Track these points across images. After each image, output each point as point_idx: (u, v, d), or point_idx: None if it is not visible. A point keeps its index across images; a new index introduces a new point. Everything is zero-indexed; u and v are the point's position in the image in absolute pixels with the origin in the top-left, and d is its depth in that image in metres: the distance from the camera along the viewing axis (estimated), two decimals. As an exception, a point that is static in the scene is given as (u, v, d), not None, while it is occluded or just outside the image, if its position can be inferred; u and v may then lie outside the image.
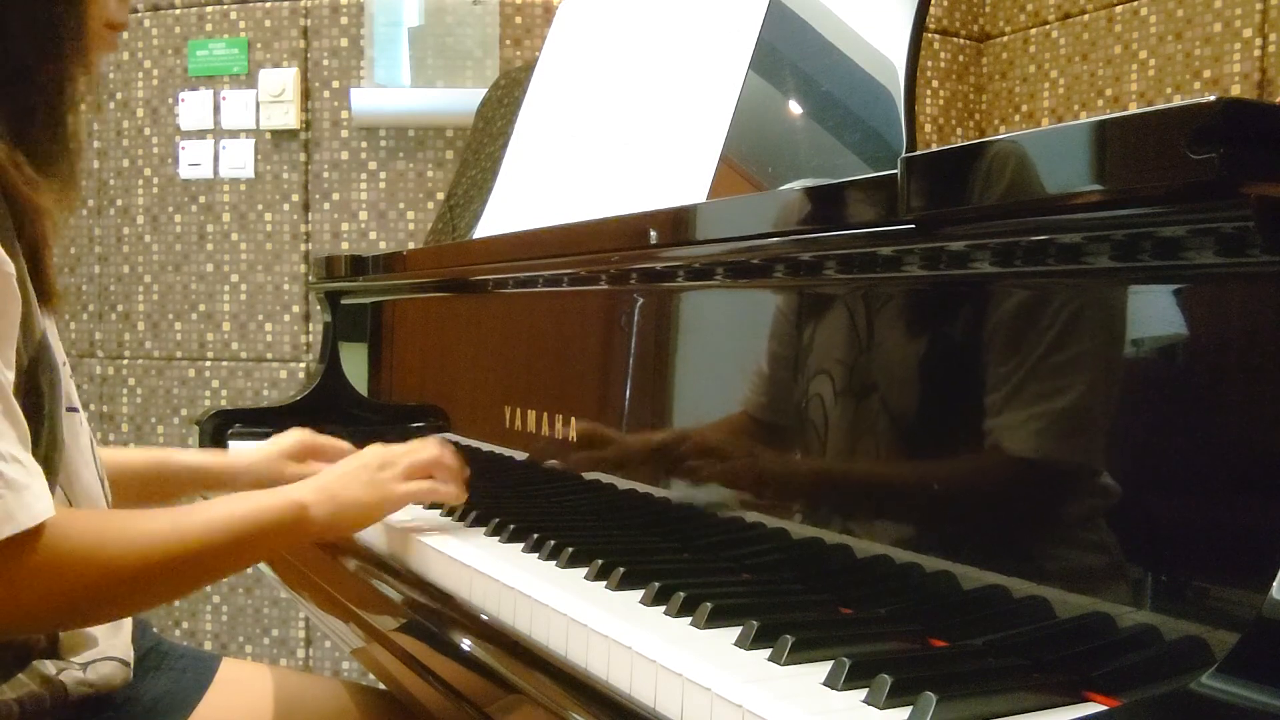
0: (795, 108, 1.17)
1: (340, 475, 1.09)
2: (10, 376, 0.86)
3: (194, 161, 2.75)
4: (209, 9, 2.73)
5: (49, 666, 0.98)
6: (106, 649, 1.03)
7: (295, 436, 1.39)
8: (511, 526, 1.08)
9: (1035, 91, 2.81)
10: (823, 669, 0.67)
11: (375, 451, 1.13)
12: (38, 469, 0.85)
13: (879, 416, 0.86)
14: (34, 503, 0.82)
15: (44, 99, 0.95)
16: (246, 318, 2.74)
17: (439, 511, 1.23)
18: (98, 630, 1.03)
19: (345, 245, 2.70)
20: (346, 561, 1.19)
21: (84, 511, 0.97)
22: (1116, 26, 2.59)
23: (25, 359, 0.90)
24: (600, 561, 0.93)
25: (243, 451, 1.40)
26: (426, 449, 1.14)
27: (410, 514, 1.24)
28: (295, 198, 2.71)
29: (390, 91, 2.65)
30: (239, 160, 2.72)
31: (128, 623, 1.09)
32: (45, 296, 0.96)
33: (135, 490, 1.27)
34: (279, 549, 1.07)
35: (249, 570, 2.68)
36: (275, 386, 2.72)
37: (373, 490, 1.07)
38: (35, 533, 0.82)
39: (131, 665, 1.08)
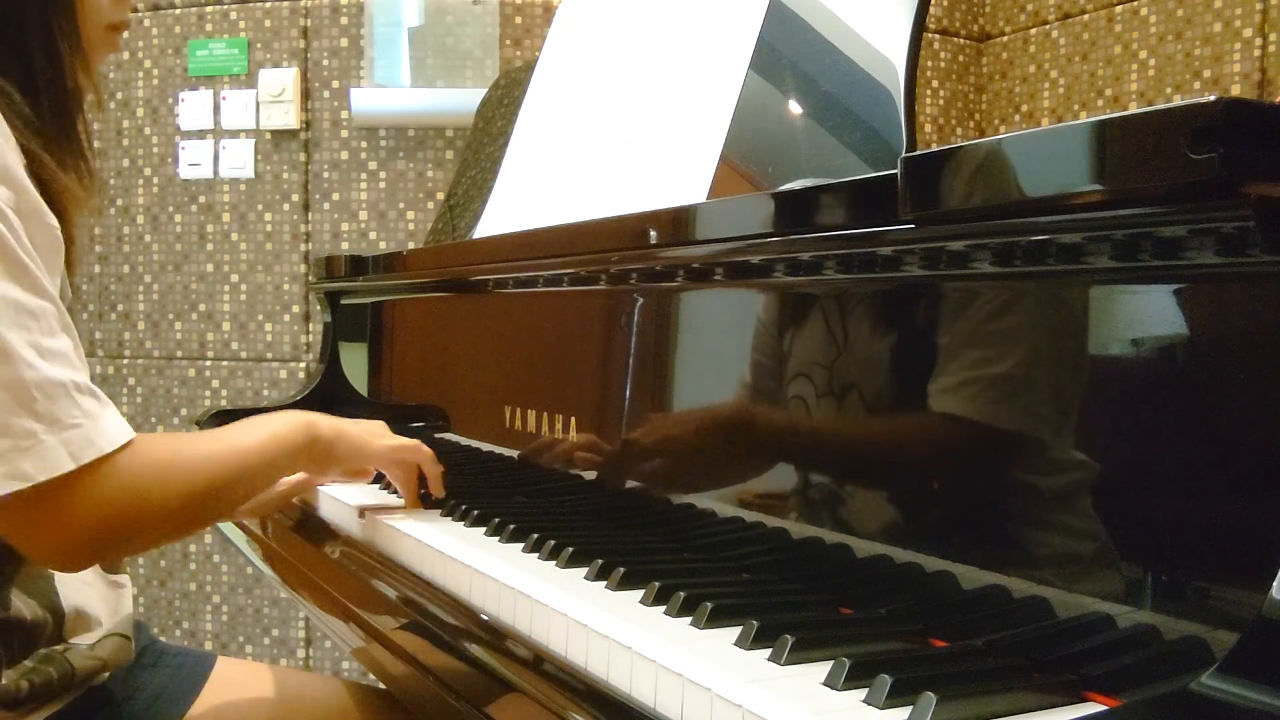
0: (795, 108, 1.17)
1: (344, 419, 1.22)
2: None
3: (194, 161, 2.75)
4: (209, 9, 2.73)
5: (56, 648, 0.99)
6: (109, 627, 1.06)
7: None
8: (511, 526, 1.08)
9: (1035, 91, 2.81)
10: (823, 669, 0.67)
11: (374, 422, 1.27)
12: (108, 401, 0.90)
13: (879, 416, 0.86)
14: (109, 429, 0.87)
15: (53, 100, 0.99)
16: (246, 318, 2.74)
17: (439, 511, 1.23)
18: (100, 611, 1.05)
19: (345, 245, 2.70)
20: (346, 560, 1.19)
21: (160, 436, 1.01)
22: (1116, 26, 2.59)
23: None
24: (600, 561, 0.93)
25: None
26: (412, 442, 1.27)
27: (411, 513, 1.24)
28: (295, 198, 2.71)
29: (390, 91, 2.65)
30: (239, 160, 2.72)
31: (129, 602, 1.12)
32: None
33: None
34: (294, 466, 1.19)
35: (249, 570, 2.69)
36: (275, 386, 2.72)
37: (367, 435, 1.21)
38: (111, 460, 0.87)
39: (133, 642, 1.09)
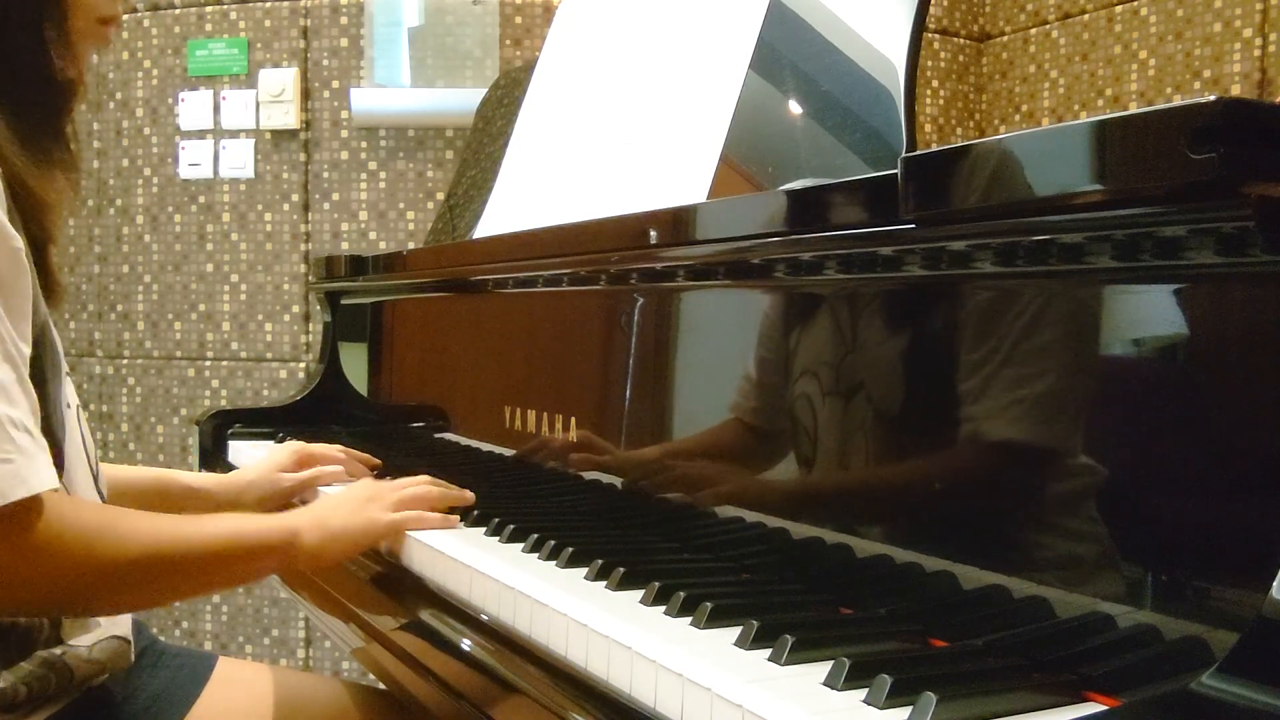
0: (795, 108, 1.17)
1: (331, 505, 1.13)
2: (26, 351, 0.87)
3: (194, 161, 2.75)
4: (209, 9, 2.73)
5: (54, 651, 0.98)
6: (108, 628, 1.05)
7: (289, 449, 1.41)
8: (511, 526, 1.08)
9: (1035, 91, 2.81)
10: (823, 669, 0.67)
11: (366, 484, 1.18)
12: (44, 444, 0.86)
13: (878, 416, 0.86)
14: (41, 471, 0.83)
15: (38, 94, 0.96)
16: (246, 318, 2.74)
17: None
18: None
19: (345, 245, 2.70)
20: (346, 561, 1.19)
21: (90, 501, 0.97)
22: (1116, 26, 2.59)
23: (29, 343, 0.90)
24: (600, 561, 0.93)
25: (240, 472, 1.41)
26: (414, 484, 1.18)
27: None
28: (295, 198, 2.71)
29: (390, 91, 2.65)
30: (239, 160, 2.72)
31: None
32: (48, 291, 0.96)
33: (136, 508, 1.28)
34: (269, 571, 1.10)
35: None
36: (275, 386, 2.72)
37: (359, 518, 1.10)
38: (39, 502, 0.83)
39: (133, 645, 1.08)
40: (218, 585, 1.06)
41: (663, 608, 0.83)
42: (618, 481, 1.15)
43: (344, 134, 2.69)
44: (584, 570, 0.94)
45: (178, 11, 2.76)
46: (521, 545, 1.04)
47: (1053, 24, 2.76)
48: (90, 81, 2.77)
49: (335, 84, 2.69)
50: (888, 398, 0.86)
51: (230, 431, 1.84)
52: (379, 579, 1.10)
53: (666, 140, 1.24)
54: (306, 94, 2.70)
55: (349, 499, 1.13)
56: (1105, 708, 0.63)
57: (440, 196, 2.62)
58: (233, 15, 2.72)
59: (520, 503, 1.28)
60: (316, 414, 1.92)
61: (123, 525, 0.91)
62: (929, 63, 2.89)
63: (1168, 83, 2.48)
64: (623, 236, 1.13)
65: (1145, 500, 0.67)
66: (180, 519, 0.98)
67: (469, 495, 1.19)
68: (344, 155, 2.69)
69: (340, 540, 1.08)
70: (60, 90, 0.99)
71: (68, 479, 0.98)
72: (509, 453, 1.36)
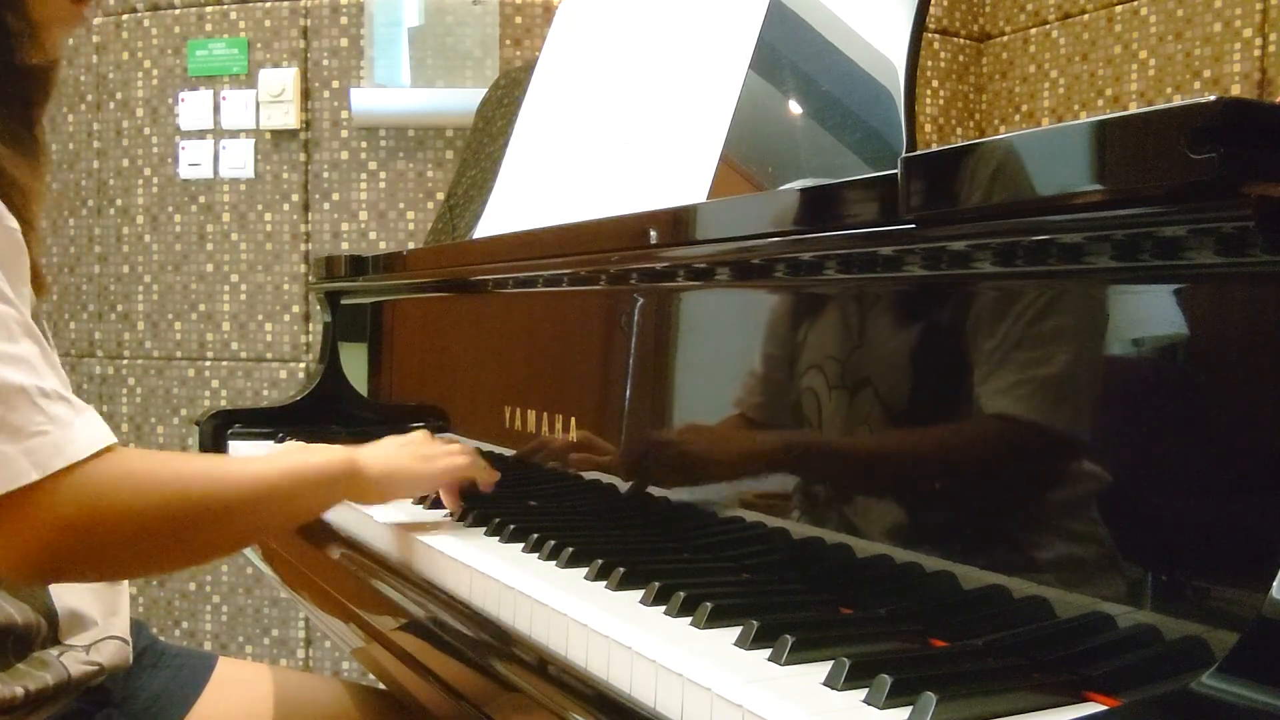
0: (795, 108, 1.17)
1: (388, 444, 1.15)
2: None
3: (194, 161, 2.75)
4: (209, 9, 2.73)
5: (51, 653, 0.98)
6: (106, 629, 1.04)
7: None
8: (511, 526, 1.08)
9: (1035, 91, 2.81)
10: (823, 669, 0.67)
11: (418, 434, 1.19)
12: (87, 408, 0.85)
13: (878, 416, 0.86)
14: (80, 437, 0.82)
15: (7, 83, 0.94)
16: (246, 318, 2.74)
17: (440, 512, 1.23)
18: (95, 613, 1.04)
19: (345, 245, 2.70)
20: (346, 561, 1.19)
21: (139, 450, 0.96)
22: (1116, 26, 2.59)
23: None
24: (600, 561, 0.93)
25: None
26: (460, 446, 1.21)
27: (411, 514, 1.24)
28: (295, 198, 2.71)
29: (390, 91, 2.65)
30: (239, 160, 2.72)
31: (125, 604, 1.10)
32: (33, 280, 0.95)
33: None
34: (329, 503, 1.09)
35: (249, 570, 2.69)
36: (275, 386, 2.72)
37: (419, 459, 1.13)
38: (88, 463, 0.82)
39: (131, 646, 1.08)
40: (278, 521, 1.06)
41: (663, 608, 0.83)
42: (618, 481, 1.15)
43: (344, 134, 2.69)
44: (584, 570, 0.94)
45: (178, 11, 2.76)
46: (521, 545, 1.04)
47: (1053, 24, 2.76)
48: (90, 81, 2.78)
49: (335, 84, 2.69)
50: (887, 398, 0.86)
51: (230, 432, 1.83)
52: (379, 578, 1.10)
53: (666, 140, 1.24)
54: (306, 94, 2.70)
55: (404, 443, 1.15)
56: (1105, 708, 0.63)
57: (440, 196, 2.62)
58: (233, 15, 2.72)
59: (520, 503, 1.28)
60: (316, 414, 1.92)
61: (175, 469, 0.90)
62: (929, 63, 2.89)
63: (1168, 83, 2.48)
64: (623, 236, 1.13)
65: (1145, 500, 0.67)
66: (238, 458, 0.97)
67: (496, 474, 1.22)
68: (344, 155, 2.70)
69: (398, 476, 1.11)
70: (30, 78, 0.96)
71: None
72: (509, 453, 1.36)
